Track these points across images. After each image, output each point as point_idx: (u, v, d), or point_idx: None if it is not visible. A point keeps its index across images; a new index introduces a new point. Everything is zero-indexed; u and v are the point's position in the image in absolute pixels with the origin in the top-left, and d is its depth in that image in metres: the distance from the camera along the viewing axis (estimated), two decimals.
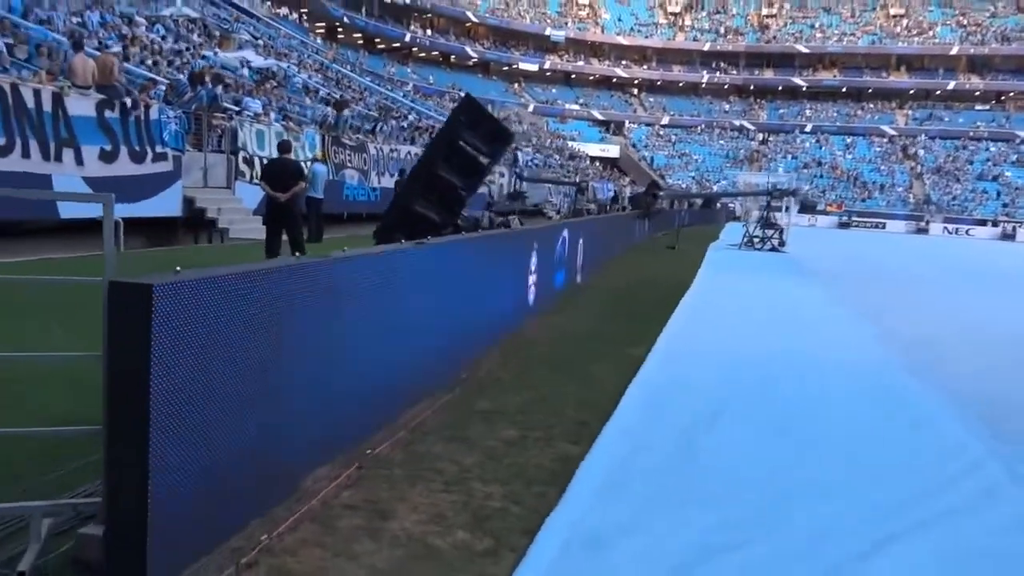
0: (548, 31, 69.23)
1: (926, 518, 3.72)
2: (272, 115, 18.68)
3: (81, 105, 11.86)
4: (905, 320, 10.54)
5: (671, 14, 74.57)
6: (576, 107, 68.87)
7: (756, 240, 24.34)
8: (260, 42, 30.90)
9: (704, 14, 74.83)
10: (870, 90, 69.46)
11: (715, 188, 56.01)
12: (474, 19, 65.20)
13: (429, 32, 63.06)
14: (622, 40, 71.34)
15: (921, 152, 64.33)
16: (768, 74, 71.46)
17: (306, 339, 3.52)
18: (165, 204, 13.57)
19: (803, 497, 3.93)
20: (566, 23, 71.37)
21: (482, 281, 6.40)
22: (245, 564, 2.85)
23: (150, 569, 2.62)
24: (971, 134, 64.35)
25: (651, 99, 72.49)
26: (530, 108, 65.13)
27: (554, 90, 69.56)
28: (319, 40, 47.29)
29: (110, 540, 2.66)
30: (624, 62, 72.02)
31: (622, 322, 8.95)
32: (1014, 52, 64.73)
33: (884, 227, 54.24)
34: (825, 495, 3.97)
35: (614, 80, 72.46)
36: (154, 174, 13.30)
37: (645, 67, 72.28)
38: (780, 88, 71.53)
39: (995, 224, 53.19)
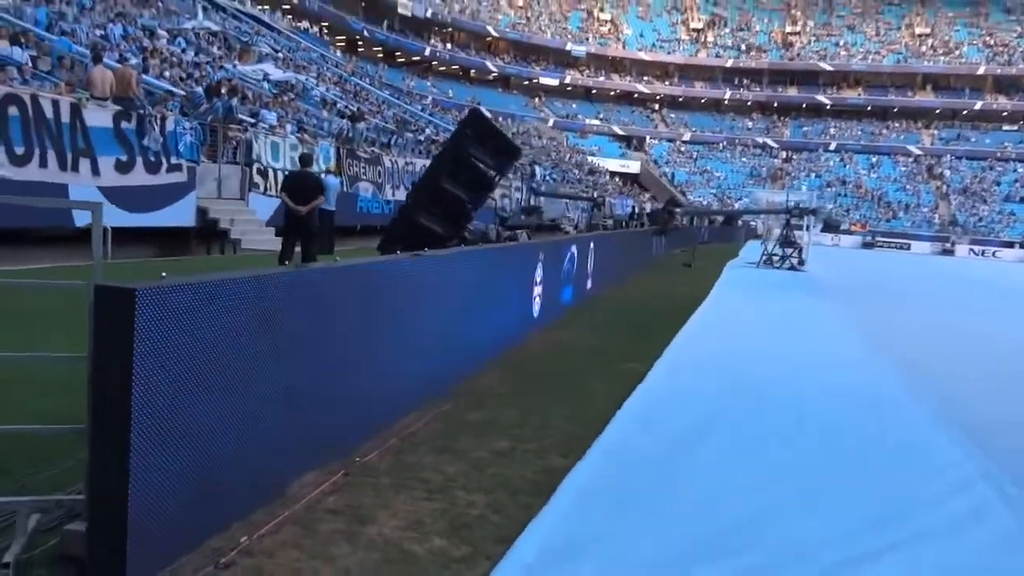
0: (569, 46, 69.66)
1: (905, 537, 3.75)
2: (288, 127, 18.98)
3: (98, 116, 12.16)
4: (914, 339, 10.54)
5: (694, 30, 74.78)
6: (596, 122, 69.11)
7: (775, 259, 24.28)
8: (280, 55, 31.39)
9: (727, 31, 74.97)
10: (895, 109, 69.17)
11: (736, 205, 55.90)
12: (494, 34, 65.76)
13: (449, 46, 63.65)
14: (644, 56, 71.60)
15: (947, 172, 63.85)
16: (792, 91, 71.33)
17: (294, 347, 3.64)
18: (178, 214, 13.84)
19: (783, 513, 3.98)
20: (587, 38, 71.79)
21: (481, 293, 6.50)
22: (223, 564, 2.95)
23: (130, 565, 2.74)
24: (998, 155, 63.80)
25: (672, 115, 72.58)
26: (550, 123, 65.44)
27: (574, 105, 69.85)
28: (339, 53, 47.86)
29: (92, 536, 2.77)
30: (645, 78, 72.25)
31: (626, 338, 9.01)
32: None
33: (909, 248, 53.83)
34: (805, 511, 4.02)
35: (635, 96, 72.67)
36: (168, 184, 13.56)
37: (667, 83, 72.44)
38: (804, 106, 71.39)
39: (1022, 246, 52.62)
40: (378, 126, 28.55)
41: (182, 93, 16.06)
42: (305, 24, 48.04)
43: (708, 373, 7.45)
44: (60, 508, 3.15)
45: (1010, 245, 53.07)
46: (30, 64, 13.69)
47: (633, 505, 3.96)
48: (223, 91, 16.19)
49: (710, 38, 74.35)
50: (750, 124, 71.81)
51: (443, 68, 63.51)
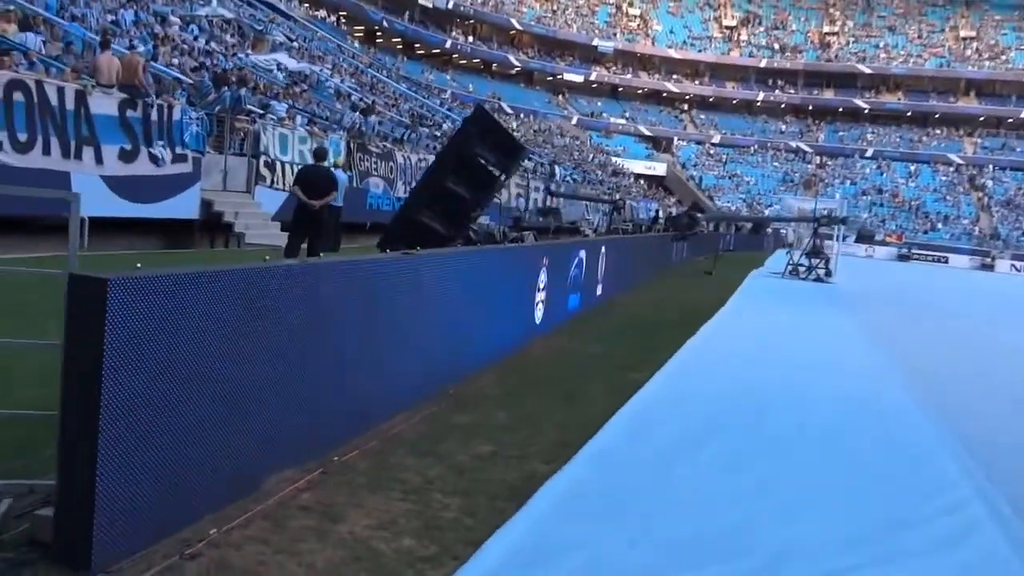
0: (596, 41, 69.76)
1: (889, 552, 3.84)
2: (298, 119, 19.22)
3: (104, 104, 12.40)
4: (934, 356, 10.57)
5: (726, 28, 74.64)
6: (622, 121, 69.17)
7: (801, 269, 24.24)
8: (295, 44, 31.75)
9: (761, 29, 74.76)
10: (937, 115, 68.63)
11: (767, 212, 55.71)
12: (519, 27, 66.02)
13: (471, 39, 63.98)
14: (673, 53, 71.56)
15: (989, 183, 63.27)
16: (828, 94, 71.02)
17: (274, 343, 3.78)
18: (182, 206, 14.06)
19: (768, 522, 4.10)
20: (615, 34, 71.86)
21: (478, 295, 6.63)
22: (189, 555, 3.09)
23: (95, 552, 2.89)
24: None
25: (702, 116, 72.47)
26: (573, 120, 65.59)
27: (600, 103, 69.96)
28: (356, 44, 48.29)
29: (59, 522, 2.93)
30: (675, 76, 72.19)
31: (632, 346, 9.11)
32: None
33: (947, 261, 53.41)
34: (791, 521, 4.13)
35: (664, 95, 72.65)
36: (173, 175, 13.79)
37: (697, 82, 72.35)
38: (840, 110, 71.06)
39: None
40: (393, 120, 28.82)
41: (190, 82, 16.33)
42: (322, 13, 48.52)
43: (710, 381, 7.58)
44: (33, 494, 3.31)
45: None
46: (42, 50, 14.00)
47: (615, 511, 4.07)
48: (232, 80, 16.44)
49: (743, 36, 74.17)
50: (783, 127, 71.55)
51: (464, 61, 63.86)
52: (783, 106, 72.31)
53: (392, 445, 4.71)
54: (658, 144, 68.84)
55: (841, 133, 70.17)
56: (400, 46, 58.74)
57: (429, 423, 5.21)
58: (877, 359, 9.91)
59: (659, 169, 64.69)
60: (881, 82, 70.20)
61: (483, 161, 8.27)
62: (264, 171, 16.38)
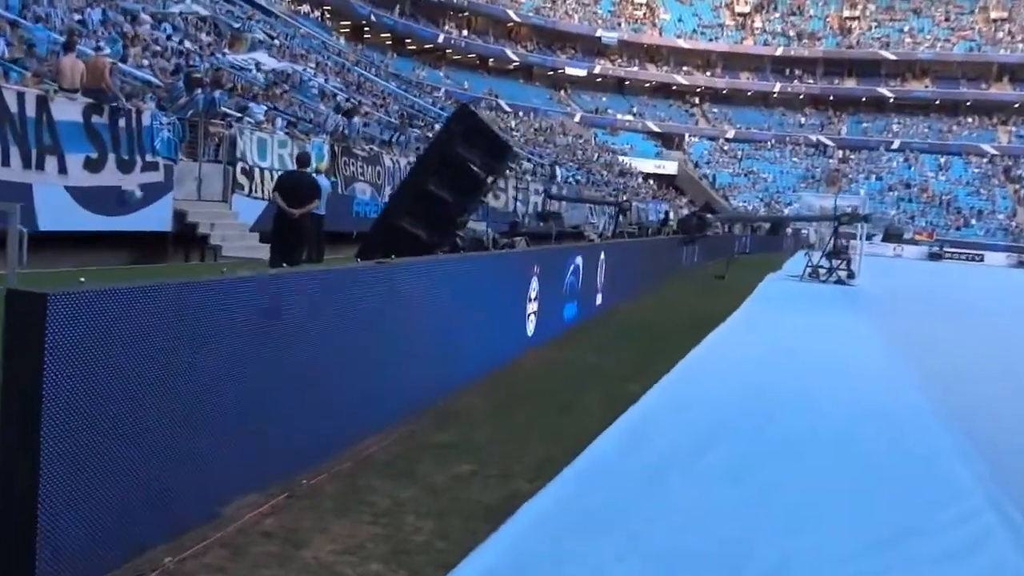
0: (599, 32, 70.10)
1: (895, 562, 3.92)
2: (278, 122, 19.35)
3: (67, 110, 12.50)
4: (959, 358, 10.66)
5: (739, 15, 74.95)
6: (629, 117, 69.39)
7: (821, 271, 24.27)
8: (276, 42, 31.95)
9: (777, 15, 75.06)
10: (967, 103, 68.73)
11: (786, 211, 55.78)
12: (516, 18, 66.37)
13: (465, 32, 64.32)
14: (683, 43, 71.84)
15: None
16: (850, 83, 71.21)
17: (232, 361, 3.83)
18: (153, 218, 14.13)
19: (769, 532, 4.18)
20: (619, 24, 72.20)
21: (460, 307, 6.68)
22: None
23: None
24: None
25: (715, 110, 72.67)
26: (576, 118, 65.81)
27: (604, 98, 70.22)
28: (342, 40, 48.55)
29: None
30: (684, 68, 72.46)
31: (632, 356, 9.20)
32: None
33: (982, 259, 53.40)
34: (794, 531, 4.22)
35: (673, 88, 72.88)
36: (143, 185, 13.87)
37: (708, 74, 72.60)
38: (863, 99, 71.24)
39: None
40: (381, 121, 28.94)
41: (159, 84, 16.45)
42: (305, 8, 48.83)
43: (714, 388, 7.72)
44: None
45: None
46: (5, 53, 14.13)
47: (602, 526, 4.13)
48: (205, 82, 16.56)
49: (757, 23, 74.44)
50: (802, 120, 71.71)
51: (458, 56, 64.17)
52: (801, 97, 72.49)
53: (364, 467, 4.76)
54: (668, 141, 69.03)
55: (865, 125, 70.31)
56: (389, 42, 59.08)
57: (406, 443, 5.26)
58: (896, 363, 10.01)
59: (669, 168, 64.87)
60: (907, 69, 70.37)
61: (468, 163, 8.38)
62: (241, 179, 16.46)
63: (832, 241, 25.15)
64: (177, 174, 14.63)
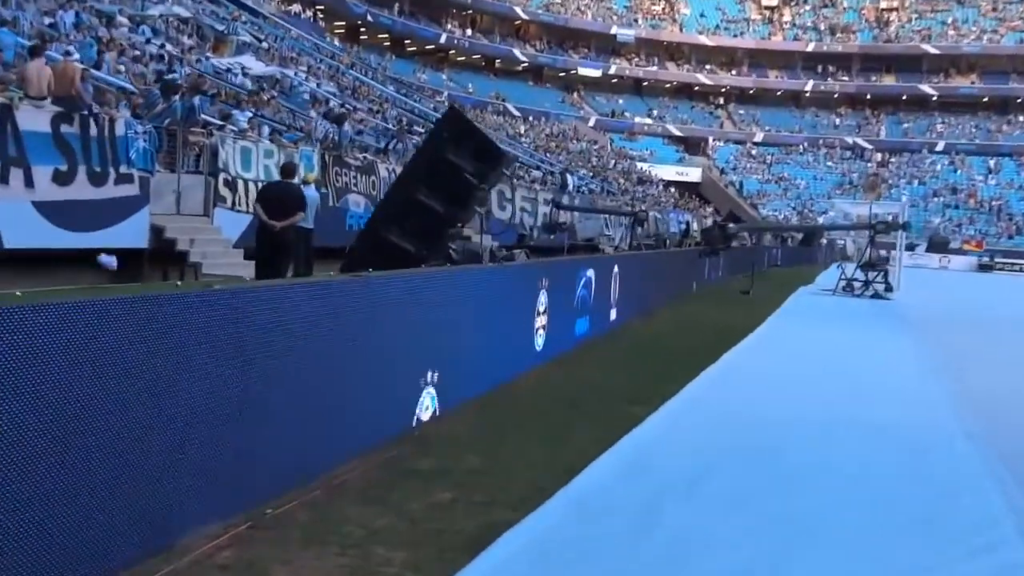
0: (614, 30, 70.37)
1: None
2: (266, 129, 19.51)
3: (34, 119, 12.64)
4: (998, 383, 10.56)
5: (766, 8, 75.13)
6: (648, 121, 69.55)
7: (856, 284, 24.23)
8: (264, 45, 32.29)
9: (807, 8, 75.21)
10: (1018, 100, 68.51)
11: (820, 220, 55.70)
12: (524, 16, 66.72)
13: (469, 32, 64.69)
14: (705, 40, 72.04)
15: None
16: (888, 80, 71.19)
17: (186, 381, 3.89)
18: (129, 234, 14.20)
19: (765, 568, 4.21)
20: (636, 20, 72.50)
21: (450, 322, 6.73)
22: None
23: None
24: None
25: (741, 111, 72.74)
26: (590, 122, 66.01)
27: (621, 100, 70.40)
28: (336, 42, 48.98)
29: None
30: (708, 67, 72.62)
31: (642, 376, 9.25)
32: None
33: None
34: (793, 567, 4.24)
35: (695, 88, 73.03)
36: (117, 199, 13.98)
37: (734, 72, 72.75)
38: (904, 98, 71.17)
39: None
40: (377, 128, 29.14)
41: (134, 91, 16.62)
42: (296, 8, 49.29)
43: (725, 413, 7.72)
44: None
45: None
46: None
47: (587, 559, 4.16)
48: (183, 88, 16.73)
49: (787, 17, 74.64)
50: (837, 121, 71.67)
51: (462, 58, 64.53)
52: (836, 96, 72.49)
53: (337, 494, 4.80)
54: (691, 146, 69.08)
55: (905, 125, 70.21)
56: (387, 43, 59.50)
57: (384, 469, 5.30)
58: (929, 384, 9.96)
59: (692, 175, 64.88)
60: (951, 64, 70.31)
61: (459, 169, 8.45)
62: (224, 191, 16.53)
63: (868, 252, 25.11)
64: (154, 187, 14.72)
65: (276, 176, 15.71)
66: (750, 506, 5.15)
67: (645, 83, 72.51)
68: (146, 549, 3.71)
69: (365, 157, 21.32)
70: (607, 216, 32.11)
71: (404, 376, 6.08)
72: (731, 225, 25.65)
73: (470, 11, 64.63)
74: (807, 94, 72.64)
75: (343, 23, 56.26)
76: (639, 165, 59.49)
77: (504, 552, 4.10)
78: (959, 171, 65.66)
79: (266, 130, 19.77)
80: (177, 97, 16.51)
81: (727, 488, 5.43)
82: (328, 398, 5.10)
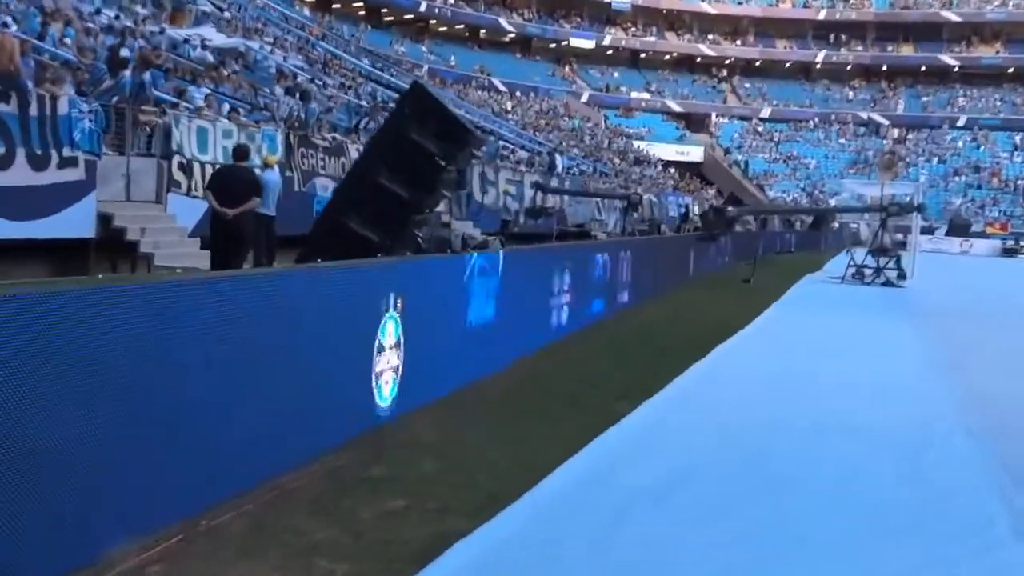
0: None
1: None
2: (225, 107, 19.47)
3: None
4: (1005, 377, 10.62)
5: None
6: (646, 96, 69.58)
7: (866, 271, 24.35)
8: (226, 14, 32.21)
9: None
10: None
11: (832, 202, 55.86)
12: None
13: (451, 0, 64.55)
14: (708, 8, 72.04)
15: None
16: (906, 50, 71.32)
17: (112, 382, 3.93)
18: (72, 222, 14.18)
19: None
20: None
21: (413, 319, 6.78)
22: None
23: None
24: None
25: (747, 85, 72.85)
26: (583, 97, 66.07)
27: (616, 73, 70.41)
28: (307, 11, 48.81)
29: None
30: (711, 36, 72.65)
31: (623, 372, 9.38)
32: None
33: None
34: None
35: (697, 60, 73.10)
36: (60, 184, 13.96)
37: (739, 43, 72.75)
38: (922, 69, 71.34)
39: None
40: (350, 105, 29.12)
41: (80, 65, 16.58)
42: None
43: (708, 412, 7.83)
44: None
45: None
46: None
47: (541, 571, 4.21)
48: (130, 61, 16.66)
49: None
50: (850, 95, 71.84)
51: (444, 28, 64.43)
52: (849, 68, 72.65)
53: (281, 503, 4.85)
54: (692, 123, 69.19)
55: (924, 99, 70.40)
56: (362, 12, 59.31)
57: (334, 476, 5.36)
58: (935, 381, 10.05)
59: (694, 154, 65.02)
60: (973, 32, 70.48)
61: (423, 150, 8.49)
62: (178, 175, 16.49)
63: (880, 236, 25.20)
64: (100, 171, 14.68)
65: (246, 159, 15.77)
66: (729, 513, 5.22)
67: (643, 55, 72.47)
68: (67, 563, 3.75)
69: (334, 137, 21.31)
70: (599, 200, 32.21)
71: (362, 375, 6.14)
72: (730, 209, 25.75)
73: None
74: (818, 66, 72.76)
75: None
76: (636, 144, 59.65)
77: (454, 563, 4.17)
78: (982, 148, 65.91)
79: (225, 108, 19.75)
80: (127, 72, 16.46)
81: (705, 494, 5.50)
82: (272, 398, 5.14)
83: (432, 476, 5.50)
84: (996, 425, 7.87)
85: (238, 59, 26.77)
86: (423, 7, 61.65)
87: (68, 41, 18.87)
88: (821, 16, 71.94)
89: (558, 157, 35.79)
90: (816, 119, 70.01)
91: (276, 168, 17.63)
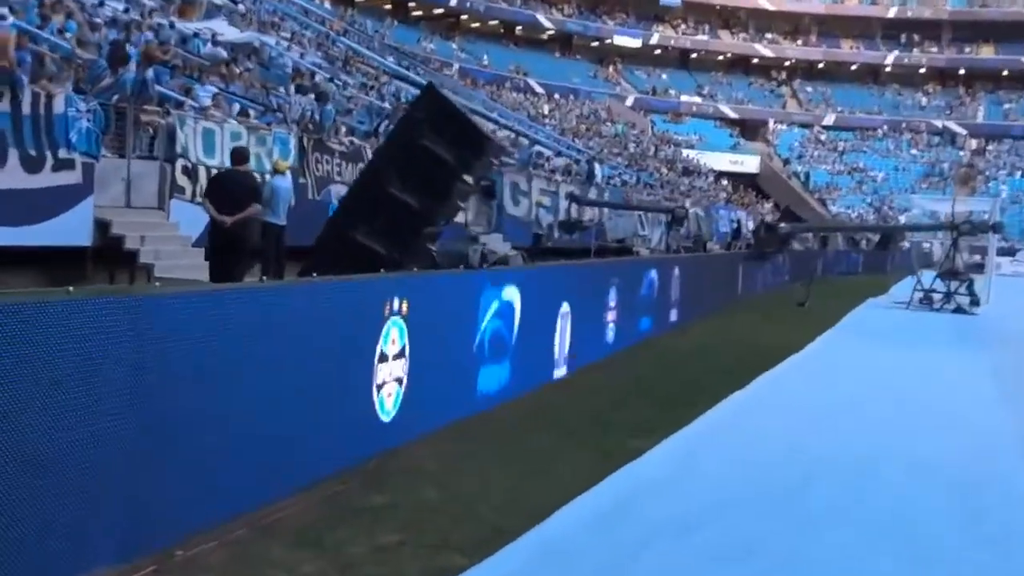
0: None
1: None
2: (235, 107, 19.71)
3: None
4: None
5: None
6: (697, 100, 69.50)
7: (935, 296, 24.15)
8: (239, 7, 32.61)
9: None
10: None
11: (902, 219, 55.42)
12: None
13: None
14: (766, 3, 71.88)
15: None
16: (985, 52, 70.76)
17: (83, 399, 4.03)
18: (68, 229, 14.40)
19: None
20: None
21: (421, 334, 6.86)
22: None
23: None
24: None
25: (808, 89, 72.58)
26: (628, 101, 66.07)
27: (664, 75, 70.39)
28: (327, 5, 49.31)
29: None
30: (769, 35, 72.47)
31: (650, 401, 9.45)
32: None
33: None
34: None
35: (754, 61, 72.93)
36: (55, 188, 14.19)
37: (800, 42, 72.53)
38: (1004, 73, 70.71)
39: None
40: (372, 107, 29.33)
41: (80, 61, 16.85)
42: None
43: (738, 448, 7.80)
44: None
45: None
46: None
47: None
48: (132, 57, 16.90)
49: None
50: (924, 101, 71.34)
51: (476, 24, 64.74)
52: (922, 71, 72.16)
53: (266, 534, 4.93)
54: (747, 130, 68.98)
55: (1007, 105, 69.75)
56: (388, 6, 59.80)
57: (327, 505, 5.44)
58: (1000, 417, 9.93)
59: (749, 164, 64.81)
60: None
61: (437, 158, 8.59)
62: (182, 180, 16.68)
63: (951, 257, 24.97)
64: (99, 174, 14.89)
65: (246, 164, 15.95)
66: (758, 551, 5.24)
67: (693, 55, 72.44)
68: None
69: (352, 141, 21.48)
70: (642, 214, 32.22)
71: (363, 396, 6.23)
72: (783, 225, 25.63)
73: None
74: (888, 68, 72.37)
75: None
76: (685, 152, 59.50)
77: None
78: None
79: (235, 108, 20.00)
80: (134, 68, 16.69)
81: (733, 530, 5.51)
82: (264, 424, 5.24)
83: (433, 507, 5.57)
84: None
85: (251, 55, 27.09)
86: (454, 1, 62.08)
87: (68, 35, 19.21)
88: (891, 14, 71.47)
89: (597, 166, 35.82)
90: (885, 127, 69.56)
91: (288, 174, 17.84)
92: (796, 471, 7.06)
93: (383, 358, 6.56)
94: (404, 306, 6.70)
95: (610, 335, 12.54)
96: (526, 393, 9.08)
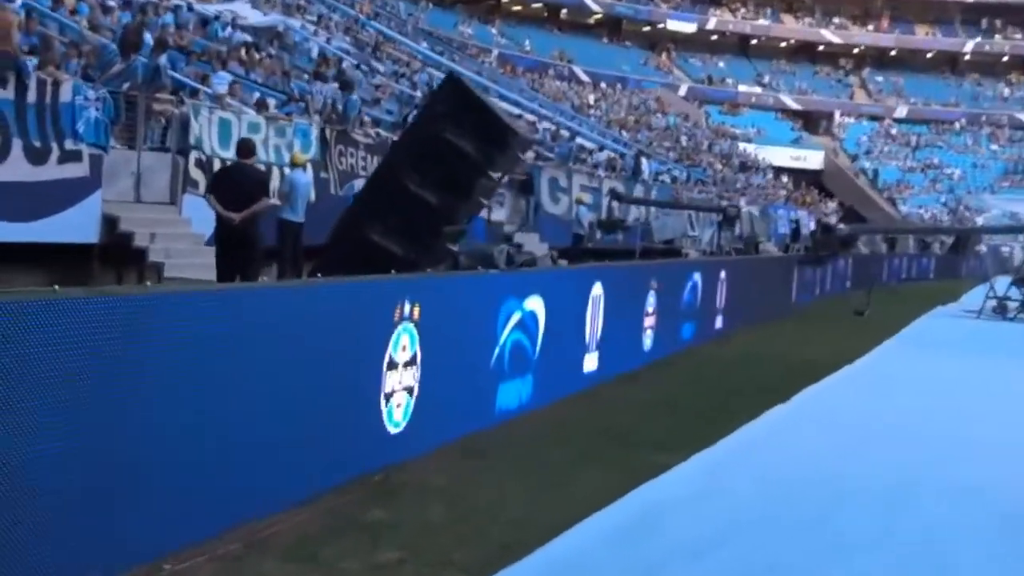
0: None
1: None
2: (254, 96, 19.92)
3: None
4: None
5: None
6: (756, 90, 69.16)
7: (1010, 305, 23.99)
8: None
9: None
10: None
11: (979, 221, 54.90)
12: None
13: None
14: None
15: None
16: None
17: (70, 405, 4.18)
18: (73, 225, 14.61)
19: None
20: None
21: (431, 342, 6.97)
22: None
23: None
24: None
25: (879, 78, 72.01)
26: (681, 91, 65.86)
27: (721, 63, 70.14)
28: None
29: None
30: (836, 20, 71.98)
31: (681, 415, 9.50)
32: None
33: None
34: None
35: (819, 48, 72.47)
36: (60, 181, 14.42)
37: (870, 28, 71.97)
38: None
39: None
40: (402, 96, 29.49)
41: (89, 45, 17.08)
42: None
43: (768, 467, 7.83)
44: None
45: None
46: None
47: None
48: (142, 42, 17.08)
49: None
50: (1006, 92, 70.58)
51: (518, 7, 64.91)
52: (1005, 60, 71.38)
53: (260, 548, 5.05)
54: (811, 122, 68.57)
55: None
56: None
57: (327, 519, 5.56)
58: None
59: (812, 160, 64.41)
60: None
61: (459, 152, 8.70)
62: (195, 173, 16.82)
63: None
64: (107, 166, 15.09)
65: (267, 156, 16.11)
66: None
67: (753, 41, 72.13)
68: None
69: (378, 133, 21.60)
70: (691, 213, 32.19)
71: (370, 405, 6.35)
72: (840, 227, 25.52)
73: None
74: (967, 56, 71.72)
75: None
76: (742, 147, 59.22)
77: None
78: None
79: (255, 96, 20.19)
80: (151, 53, 16.88)
81: (746, 557, 5.54)
82: (261, 433, 5.37)
83: (439, 524, 5.66)
84: None
85: (274, 40, 27.35)
86: None
87: (79, 17, 19.49)
88: None
89: (644, 161, 35.81)
90: (963, 120, 68.85)
91: (308, 168, 17.98)
92: (827, 492, 7.08)
93: (392, 365, 6.69)
94: (416, 310, 6.81)
95: (647, 343, 12.60)
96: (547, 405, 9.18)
